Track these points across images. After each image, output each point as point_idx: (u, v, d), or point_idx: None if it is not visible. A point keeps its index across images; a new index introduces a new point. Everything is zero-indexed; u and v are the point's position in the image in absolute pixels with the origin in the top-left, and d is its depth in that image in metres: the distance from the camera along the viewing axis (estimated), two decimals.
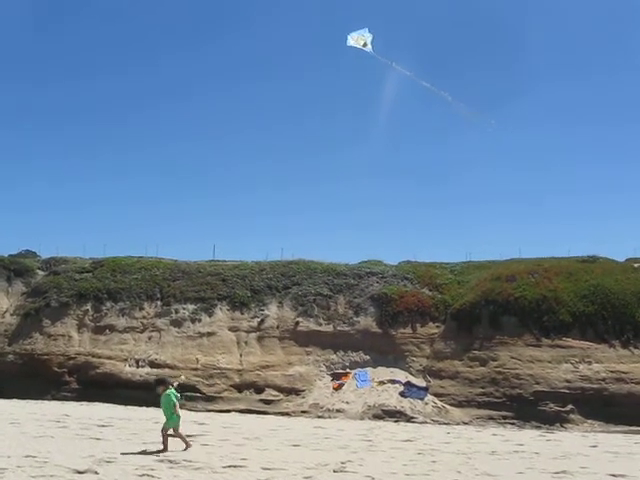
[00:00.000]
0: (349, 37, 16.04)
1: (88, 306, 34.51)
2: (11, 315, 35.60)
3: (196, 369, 30.91)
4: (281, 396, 29.95)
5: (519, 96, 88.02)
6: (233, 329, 32.54)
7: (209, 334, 32.34)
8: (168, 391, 13.33)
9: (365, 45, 16.16)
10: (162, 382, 13.87)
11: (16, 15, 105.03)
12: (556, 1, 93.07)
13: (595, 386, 27.25)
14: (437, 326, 31.69)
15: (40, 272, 38.75)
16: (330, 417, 27.63)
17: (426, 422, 26.77)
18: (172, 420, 13.27)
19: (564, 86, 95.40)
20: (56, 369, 32.35)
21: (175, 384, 13.88)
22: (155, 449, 13.43)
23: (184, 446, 13.34)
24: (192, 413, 26.46)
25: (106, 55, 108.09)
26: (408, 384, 29.47)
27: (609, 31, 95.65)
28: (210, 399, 29.92)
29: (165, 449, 13.07)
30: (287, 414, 28.28)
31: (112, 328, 33.55)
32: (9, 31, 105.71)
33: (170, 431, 13.28)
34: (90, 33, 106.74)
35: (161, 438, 13.27)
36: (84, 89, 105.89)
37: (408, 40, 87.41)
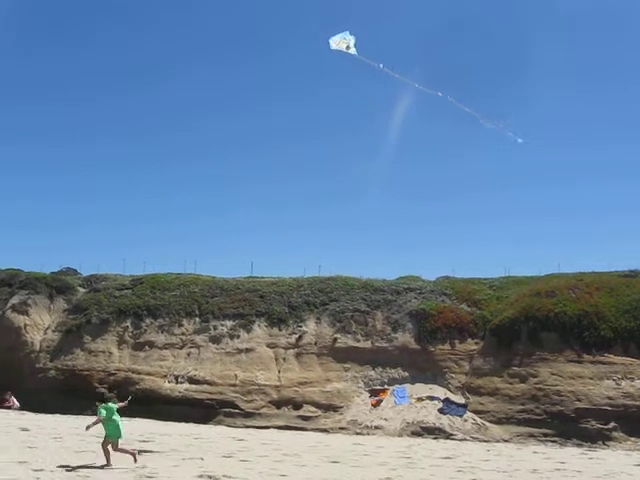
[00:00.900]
0: (330, 41, 15.57)
1: (128, 323, 34.84)
2: (53, 331, 36.03)
3: (234, 385, 31.00)
4: (319, 412, 29.90)
5: (525, 106, 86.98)
6: (271, 345, 32.59)
7: (247, 350, 32.43)
8: (101, 405, 13.43)
9: (348, 48, 15.49)
10: (101, 397, 14.00)
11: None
12: (561, 6, 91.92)
13: (638, 403, 26.76)
14: (476, 342, 31.40)
15: (81, 289, 39.20)
16: (368, 434, 27.51)
17: (465, 439, 26.53)
18: (109, 434, 13.26)
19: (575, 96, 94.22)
20: (97, 384, 32.65)
21: (112, 398, 13.98)
22: (196, 465, 13.50)
23: (104, 461, 13.20)
24: (231, 429, 26.57)
25: (152, 66, 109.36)
26: (447, 401, 29.23)
27: (615, 36, 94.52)
28: (248, 415, 29.97)
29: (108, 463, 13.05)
30: (325, 430, 28.21)
31: (151, 344, 33.81)
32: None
33: (120, 444, 13.21)
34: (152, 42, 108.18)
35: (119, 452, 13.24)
36: (123, 102, 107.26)
37: (411, 50, 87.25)
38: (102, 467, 12.75)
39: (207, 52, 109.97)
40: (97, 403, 13.42)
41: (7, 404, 29.99)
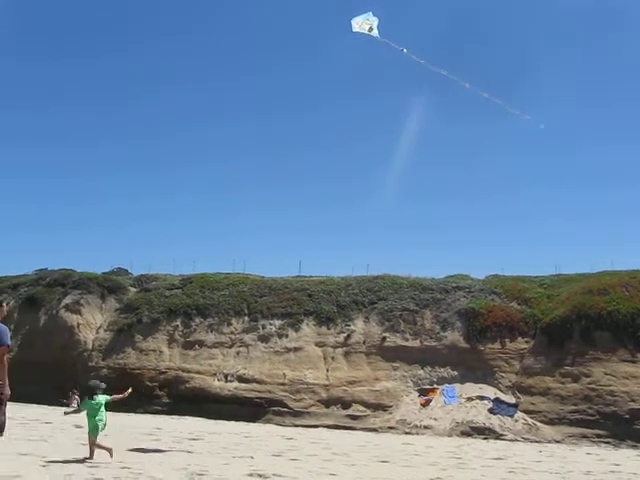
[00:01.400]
0: (353, 22, 14.92)
1: (178, 322, 35.24)
2: (105, 331, 36.62)
3: (283, 384, 31.14)
4: (368, 412, 29.87)
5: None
6: (320, 344, 32.66)
7: (296, 349, 32.55)
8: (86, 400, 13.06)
9: (371, 30, 14.91)
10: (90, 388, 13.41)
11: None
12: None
13: None
14: (526, 341, 31.03)
15: (132, 289, 39.77)
16: (418, 433, 27.38)
17: (516, 440, 26.23)
18: (89, 430, 12.95)
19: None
20: (147, 383, 33.10)
21: (100, 390, 12.95)
22: (247, 464, 13.56)
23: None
24: (280, 428, 26.64)
25: (193, 65, 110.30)
26: (497, 400, 28.94)
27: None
28: (297, 414, 30.08)
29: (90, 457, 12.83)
30: (374, 430, 28.15)
31: (201, 343, 34.15)
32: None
33: (100, 440, 12.88)
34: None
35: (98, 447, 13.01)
36: (173, 96, 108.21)
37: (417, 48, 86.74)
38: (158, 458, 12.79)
39: (213, 60, 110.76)
40: (74, 391, 13.05)
41: (72, 402, 30.60)
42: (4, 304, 10.41)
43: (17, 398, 10.34)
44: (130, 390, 14.21)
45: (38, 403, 28.15)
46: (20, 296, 41.31)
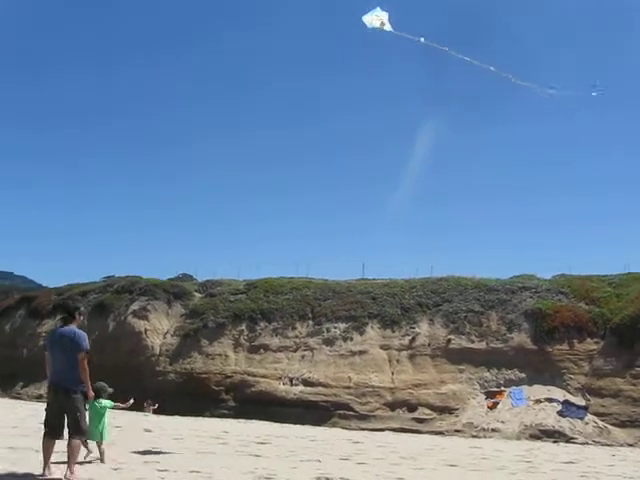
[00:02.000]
0: (364, 20, 14.27)
1: (243, 326, 35.54)
2: (172, 336, 37.16)
3: (349, 387, 31.12)
4: (434, 415, 29.63)
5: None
6: (384, 347, 32.53)
7: (361, 352, 32.48)
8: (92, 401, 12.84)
9: (383, 24, 14.22)
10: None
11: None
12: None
13: None
14: (596, 342, 30.35)
15: (197, 294, 40.27)
16: (485, 436, 27.03)
17: (587, 443, 25.67)
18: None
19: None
20: (214, 387, 33.48)
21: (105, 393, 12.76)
22: (314, 467, 13.57)
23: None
24: (346, 431, 26.60)
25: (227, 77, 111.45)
26: (566, 403, 28.38)
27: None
28: (363, 417, 30.02)
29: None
30: (441, 433, 27.89)
31: (266, 347, 34.37)
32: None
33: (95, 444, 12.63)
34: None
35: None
36: (243, 101, 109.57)
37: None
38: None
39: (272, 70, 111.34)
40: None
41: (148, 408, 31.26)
42: (80, 311, 10.74)
43: None
44: (132, 400, 14.32)
45: None
46: (89, 303, 42.24)
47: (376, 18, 14.20)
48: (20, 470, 10.96)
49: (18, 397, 38.43)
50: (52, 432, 9.74)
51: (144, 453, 14.37)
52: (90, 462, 12.27)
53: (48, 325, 42.94)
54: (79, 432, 9.77)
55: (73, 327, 10.17)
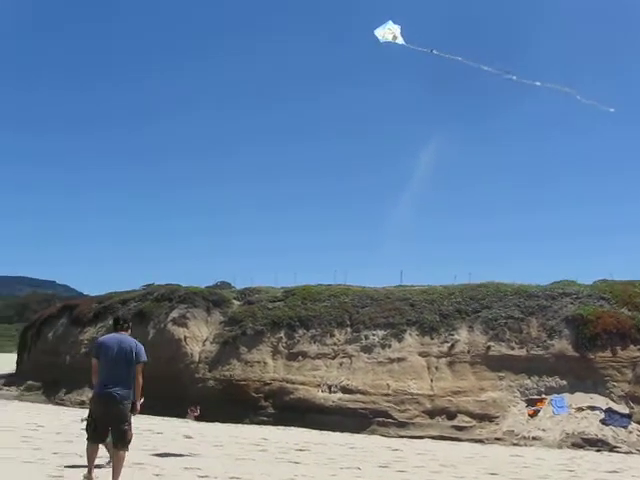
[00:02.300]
0: (376, 34, 14.25)
1: (281, 333, 35.61)
2: (211, 343, 37.36)
3: (387, 395, 30.99)
4: (474, 422, 29.36)
5: None
6: (423, 354, 32.34)
7: (399, 360, 32.33)
8: None
9: (395, 38, 14.26)
10: None
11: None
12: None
13: None
14: (639, 349, 29.86)
15: (236, 302, 40.46)
16: (526, 445, 26.73)
17: (631, 452, 25.25)
18: None
19: None
20: (253, 394, 33.58)
21: None
22: (354, 475, 13.57)
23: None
24: (385, 439, 26.57)
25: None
26: (609, 411, 27.93)
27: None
28: (402, 425, 29.86)
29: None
30: (480, 441, 27.65)
31: (304, 355, 34.38)
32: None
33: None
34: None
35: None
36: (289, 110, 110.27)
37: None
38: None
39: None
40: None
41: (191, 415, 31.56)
42: (129, 324, 10.79)
43: None
44: (142, 400, 14.61)
45: (144, 414, 28.98)
46: (130, 311, 42.69)
47: (388, 32, 14.28)
48: (65, 475, 11.13)
49: (61, 403, 38.98)
50: (96, 438, 9.85)
51: (186, 460, 14.52)
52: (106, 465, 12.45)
53: (90, 333, 43.57)
54: (126, 443, 9.89)
55: (129, 337, 10.29)
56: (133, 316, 41.55)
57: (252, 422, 31.24)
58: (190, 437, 20.69)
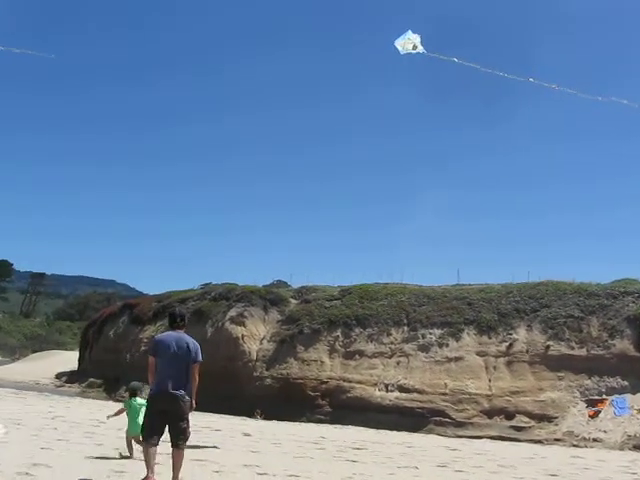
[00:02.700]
0: (397, 46, 13.99)
1: (338, 332, 35.69)
2: (268, 342, 37.65)
3: (445, 394, 30.83)
4: (532, 423, 29.00)
5: None
6: (481, 354, 32.08)
7: (456, 359, 32.13)
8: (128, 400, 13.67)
9: (415, 48, 13.93)
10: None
11: None
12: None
13: None
14: None
15: (293, 301, 40.68)
16: (586, 446, 26.29)
17: None
18: (128, 429, 13.29)
19: None
20: (310, 392, 33.73)
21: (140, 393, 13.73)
22: (411, 474, 13.56)
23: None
24: (442, 438, 26.42)
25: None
26: None
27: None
28: (460, 425, 29.67)
29: (130, 456, 13.04)
30: (539, 442, 27.28)
31: (361, 353, 34.41)
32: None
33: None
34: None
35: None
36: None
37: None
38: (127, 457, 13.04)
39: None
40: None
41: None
42: (185, 321, 10.82)
43: None
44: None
45: (203, 411, 29.38)
46: (188, 310, 43.29)
47: (408, 42, 14.27)
48: (127, 470, 11.39)
49: (122, 400, 39.60)
50: (155, 438, 9.90)
51: (244, 456, 14.69)
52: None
53: (149, 331, 44.32)
54: (185, 440, 9.98)
55: (186, 335, 10.36)
56: (191, 315, 42.25)
57: (309, 420, 31.39)
58: (248, 434, 20.90)
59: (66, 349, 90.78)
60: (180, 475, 9.90)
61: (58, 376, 56.15)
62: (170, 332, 10.31)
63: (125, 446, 13.28)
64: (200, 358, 10.19)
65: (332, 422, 30.48)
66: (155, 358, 10.01)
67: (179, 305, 44.44)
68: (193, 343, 10.21)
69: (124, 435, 13.56)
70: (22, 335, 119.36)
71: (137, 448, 12.68)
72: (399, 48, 14.29)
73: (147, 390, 11.41)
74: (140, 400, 13.32)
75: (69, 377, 52.56)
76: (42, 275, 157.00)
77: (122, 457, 12.97)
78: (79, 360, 57.28)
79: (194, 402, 10.14)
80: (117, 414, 14.03)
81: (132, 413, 13.31)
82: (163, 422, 9.83)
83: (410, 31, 14.32)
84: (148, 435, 9.90)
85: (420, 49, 14.24)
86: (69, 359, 64.94)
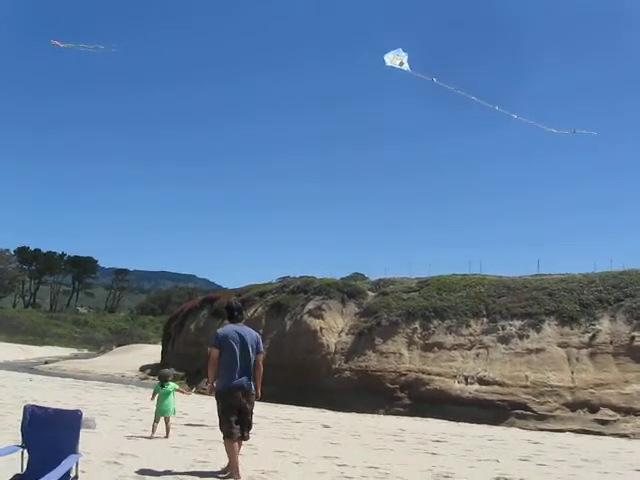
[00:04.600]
0: (385, 58, 15.26)
1: (416, 324, 35.51)
2: (346, 334, 37.74)
3: (526, 387, 30.34)
4: (618, 416, 28.25)
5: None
6: (562, 345, 31.43)
7: (537, 350, 31.57)
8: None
9: (402, 64, 15.19)
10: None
11: None
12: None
13: None
14: None
15: (370, 293, 40.68)
16: None
17: None
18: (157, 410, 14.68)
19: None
20: (388, 385, 33.67)
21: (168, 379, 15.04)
22: (492, 467, 13.44)
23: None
24: (523, 432, 26.06)
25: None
26: None
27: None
28: (541, 418, 29.15)
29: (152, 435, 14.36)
30: (626, 436, 26.59)
31: (440, 345, 34.16)
32: None
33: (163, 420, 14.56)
34: None
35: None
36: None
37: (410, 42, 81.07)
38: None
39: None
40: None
41: None
42: (243, 314, 11.03)
43: (263, 398, 11.06)
44: (193, 392, 17.51)
45: (282, 403, 29.70)
46: (267, 303, 43.82)
47: (397, 58, 15.34)
48: (209, 460, 11.63)
49: (203, 392, 40.36)
50: (237, 432, 10.03)
51: (323, 447, 14.82)
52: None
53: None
54: (250, 430, 10.26)
55: (247, 327, 10.53)
56: (269, 308, 42.70)
57: (388, 413, 31.37)
58: (328, 426, 21.05)
59: (149, 342, 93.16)
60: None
61: (142, 369, 57.69)
62: (232, 325, 10.40)
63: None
64: (262, 348, 10.40)
65: (411, 414, 30.40)
66: (220, 351, 10.08)
67: (259, 299, 45.05)
68: (256, 335, 10.36)
69: (206, 426, 13.98)
70: (107, 329, 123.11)
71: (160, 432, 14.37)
72: (387, 60, 15.38)
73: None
74: (172, 384, 15.00)
75: (153, 370, 53.81)
76: (125, 271, 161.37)
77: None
78: (162, 353, 58.65)
79: (259, 392, 10.33)
80: (153, 398, 15.06)
81: (162, 396, 14.62)
82: (238, 415, 9.97)
83: (401, 49, 15.51)
84: (229, 431, 9.95)
85: (406, 66, 15.38)
86: (152, 352, 66.61)
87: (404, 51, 15.56)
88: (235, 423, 9.94)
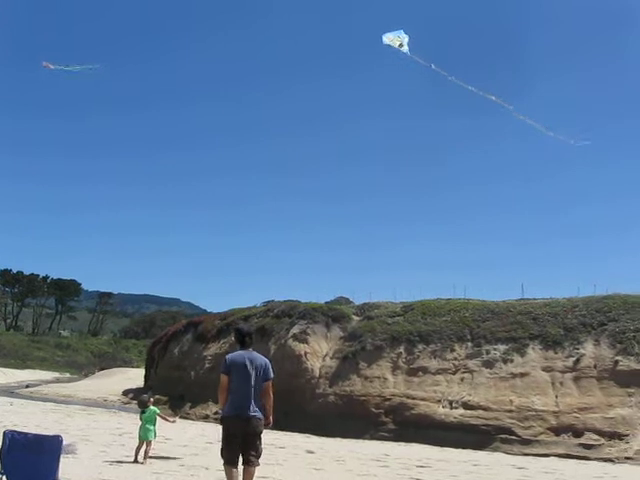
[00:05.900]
0: (384, 37, 14.77)
1: (401, 349, 35.47)
2: (330, 358, 37.64)
3: (510, 411, 30.29)
4: (602, 441, 28.23)
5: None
6: (547, 369, 31.46)
7: (522, 375, 31.58)
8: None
9: (401, 46, 14.70)
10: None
11: None
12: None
13: None
14: None
15: (355, 317, 40.64)
16: None
17: None
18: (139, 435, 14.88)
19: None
20: (373, 409, 33.54)
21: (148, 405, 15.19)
22: None
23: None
24: (508, 457, 25.99)
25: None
26: None
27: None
28: (526, 442, 29.07)
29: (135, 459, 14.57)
30: (610, 460, 26.57)
31: (424, 370, 34.11)
32: None
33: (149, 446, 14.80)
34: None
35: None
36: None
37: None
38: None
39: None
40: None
41: None
42: (252, 339, 10.78)
43: None
44: (175, 420, 17.13)
45: (267, 429, 29.46)
46: (251, 327, 43.59)
47: (397, 39, 14.81)
48: None
49: (187, 417, 40.09)
50: (237, 460, 9.85)
51: (307, 474, 14.72)
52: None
53: (213, 349, 44.82)
54: (258, 457, 9.96)
55: (257, 353, 10.34)
56: (255, 332, 42.49)
57: (372, 438, 31.22)
58: (312, 452, 20.93)
59: (132, 366, 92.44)
60: None
61: (125, 393, 57.18)
62: (241, 351, 10.19)
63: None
64: (272, 375, 10.19)
65: (395, 439, 30.26)
66: (229, 377, 9.93)
67: (243, 323, 44.88)
68: (265, 361, 10.19)
69: (188, 452, 13.90)
70: (90, 353, 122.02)
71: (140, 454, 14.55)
72: (386, 40, 14.90)
73: (213, 408, 11.61)
74: (152, 408, 15.18)
75: (135, 394, 53.36)
76: (109, 294, 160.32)
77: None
78: (145, 377, 58.22)
79: (271, 419, 10.13)
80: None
81: (145, 420, 14.84)
82: (240, 442, 9.77)
83: (402, 31, 15.02)
84: (230, 458, 9.74)
85: (405, 49, 14.88)
86: (135, 376, 66.11)
87: (405, 33, 15.12)
88: (236, 450, 9.75)
